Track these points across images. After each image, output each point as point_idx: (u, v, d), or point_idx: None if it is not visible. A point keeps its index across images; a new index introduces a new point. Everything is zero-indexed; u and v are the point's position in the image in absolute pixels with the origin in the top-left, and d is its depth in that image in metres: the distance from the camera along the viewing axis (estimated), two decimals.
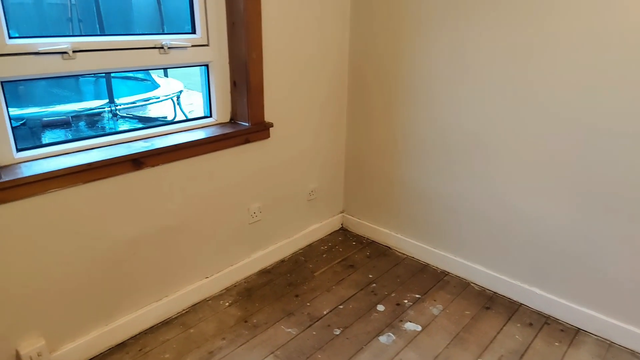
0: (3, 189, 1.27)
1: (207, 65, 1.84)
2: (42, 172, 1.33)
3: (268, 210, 2.16)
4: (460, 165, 2.02)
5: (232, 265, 2.05)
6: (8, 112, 1.35)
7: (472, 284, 2.10)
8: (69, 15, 1.79)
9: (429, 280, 2.13)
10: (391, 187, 2.32)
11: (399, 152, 2.22)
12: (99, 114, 2.50)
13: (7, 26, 1.30)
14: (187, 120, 1.85)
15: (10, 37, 1.31)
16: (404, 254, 2.35)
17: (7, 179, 1.26)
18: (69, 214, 1.45)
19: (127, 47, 1.56)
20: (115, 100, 2.60)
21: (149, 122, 2.92)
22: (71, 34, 1.52)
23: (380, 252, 2.37)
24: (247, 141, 1.91)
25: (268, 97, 1.97)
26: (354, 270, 2.20)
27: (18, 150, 1.41)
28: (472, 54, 1.85)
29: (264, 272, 2.18)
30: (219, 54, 1.84)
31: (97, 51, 1.49)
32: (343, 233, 2.56)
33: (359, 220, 2.54)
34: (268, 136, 2.00)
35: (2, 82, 1.32)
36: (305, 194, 2.32)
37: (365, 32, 2.19)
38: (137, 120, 2.84)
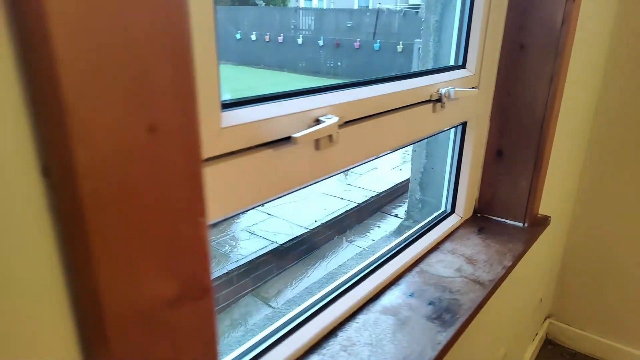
0: None
1: (464, 124, 0.99)
2: None
3: (509, 353, 1.31)
4: None
5: None
6: None
7: None
8: None
9: None
10: None
11: None
12: None
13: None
14: (425, 230, 0.99)
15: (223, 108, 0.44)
16: None
17: None
18: None
19: (397, 107, 0.71)
20: None
21: None
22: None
23: None
24: (519, 258, 1.06)
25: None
26: None
27: None
28: None
29: None
30: (485, 103, 1.00)
31: (358, 121, 0.63)
32: (556, 351, 1.72)
33: (579, 330, 1.71)
34: (536, 239, 1.16)
35: None
36: (533, 309, 1.48)
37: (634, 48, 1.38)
38: None
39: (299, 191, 0.55)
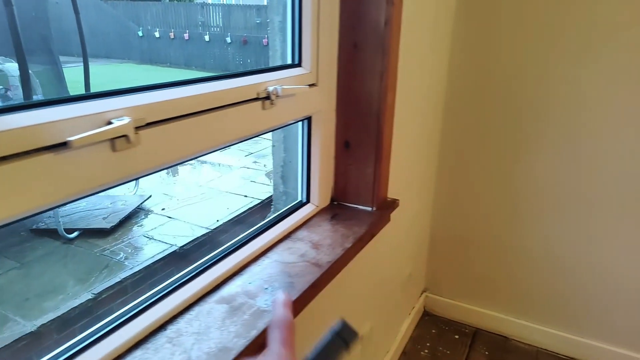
0: None
1: (309, 118, 1.06)
2: None
3: (377, 328, 1.41)
4: (627, 230, 1.48)
5: None
6: None
7: None
8: None
9: None
10: (505, 257, 1.71)
11: (517, 211, 1.62)
12: None
13: None
14: (274, 223, 1.05)
15: None
16: (532, 345, 1.75)
17: None
18: None
19: (217, 106, 0.74)
20: None
21: None
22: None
23: (499, 346, 1.74)
24: (371, 237, 1.15)
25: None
26: None
27: None
28: None
29: None
30: (328, 98, 1.08)
31: (166, 122, 0.65)
32: (432, 321, 1.88)
33: (451, 301, 1.88)
34: (389, 220, 1.26)
35: None
36: (401, 284, 1.61)
37: (474, 44, 1.54)
38: None
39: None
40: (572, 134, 1.47)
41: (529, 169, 1.56)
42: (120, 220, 2.82)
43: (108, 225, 2.72)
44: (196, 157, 0.74)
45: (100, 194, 0.60)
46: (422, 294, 1.91)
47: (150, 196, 3.27)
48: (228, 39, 11.51)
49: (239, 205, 3.30)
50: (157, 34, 12.38)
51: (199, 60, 11.96)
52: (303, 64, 0.98)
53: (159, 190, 3.48)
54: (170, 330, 0.71)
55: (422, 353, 1.70)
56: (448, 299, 1.89)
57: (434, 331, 1.82)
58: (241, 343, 0.68)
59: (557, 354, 1.70)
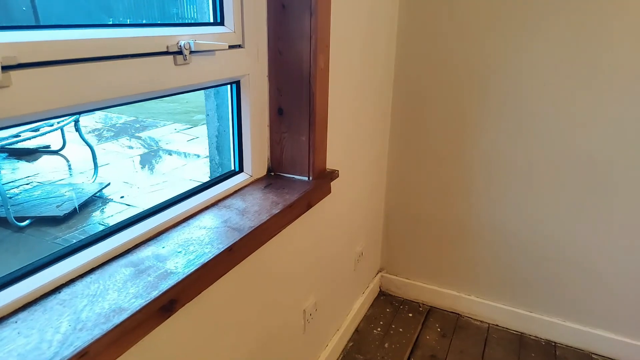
0: None
1: (237, 83, 1.02)
2: None
3: (323, 303, 1.39)
4: (568, 203, 1.49)
5: None
6: None
7: (593, 356, 1.59)
8: None
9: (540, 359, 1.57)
10: (457, 235, 1.70)
11: (466, 187, 1.62)
12: None
13: None
14: (205, 187, 1.01)
15: None
16: (483, 321, 1.75)
17: None
18: None
19: (115, 55, 0.70)
20: None
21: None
22: None
23: (451, 323, 1.74)
24: (308, 207, 1.12)
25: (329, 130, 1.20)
26: None
27: None
28: (613, 45, 1.31)
29: None
30: (257, 62, 1.04)
31: (50, 65, 0.61)
32: (387, 300, 1.87)
33: (406, 280, 1.87)
34: (330, 191, 1.23)
35: None
36: (352, 262, 1.59)
37: (422, 15, 1.52)
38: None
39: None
40: (514, 109, 1.46)
41: (476, 146, 1.56)
42: (74, 208, 2.73)
43: (61, 213, 2.62)
44: (91, 110, 0.70)
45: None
46: (377, 273, 1.90)
47: (109, 184, 3.18)
48: None
49: None
50: None
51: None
52: (226, 22, 0.94)
53: (120, 179, 3.38)
54: (65, 292, 0.66)
55: (374, 331, 1.68)
56: (403, 279, 1.88)
57: (388, 310, 1.81)
58: (138, 303, 0.64)
59: (508, 329, 1.71)
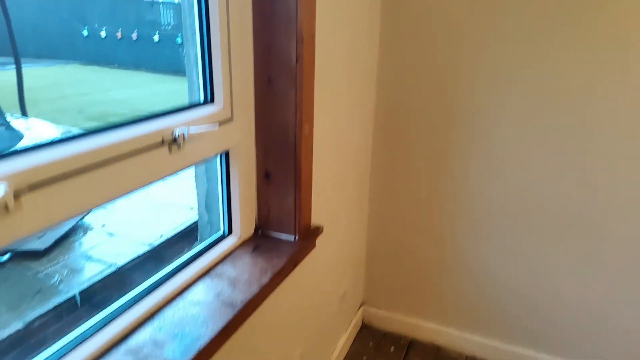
0: None
1: (226, 152, 1.06)
2: None
3: (309, 350, 1.43)
4: (548, 248, 1.57)
5: None
6: None
7: None
8: None
9: None
10: (438, 270, 1.77)
11: (447, 225, 1.69)
12: None
13: None
14: (193, 259, 1.05)
15: None
16: (462, 354, 1.82)
17: None
18: None
19: (116, 156, 0.73)
20: None
21: None
22: None
23: (431, 357, 1.81)
24: (294, 266, 1.17)
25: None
26: None
27: None
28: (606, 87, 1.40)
29: None
30: (245, 132, 1.08)
31: (56, 182, 0.64)
32: (369, 334, 1.93)
33: (387, 313, 1.93)
34: (314, 246, 1.28)
35: None
36: (336, 303, 1.64)
37: (401, 55, 1.59)
38: None
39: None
40: (494, 154, 1.54)
41: (457, 187, 1.63)
42: (56, 240, 2.70)
43: (42, 246, 2.59)
44: (93, 209, 0.73)
45: None
46: (360, 307, 1.95)
47: (90, 211, 3.15)
48: (179, 39, 11.25)
49: (185, 218, 3.24)
50: (103, 34, 11.93)
51: (148, 62, 11.62)
52: (216, 100, 0.98)
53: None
54: None
55: None
56: (385, 311, 1.94)
57: (371, 344, 1.87)
58: None
59: None
